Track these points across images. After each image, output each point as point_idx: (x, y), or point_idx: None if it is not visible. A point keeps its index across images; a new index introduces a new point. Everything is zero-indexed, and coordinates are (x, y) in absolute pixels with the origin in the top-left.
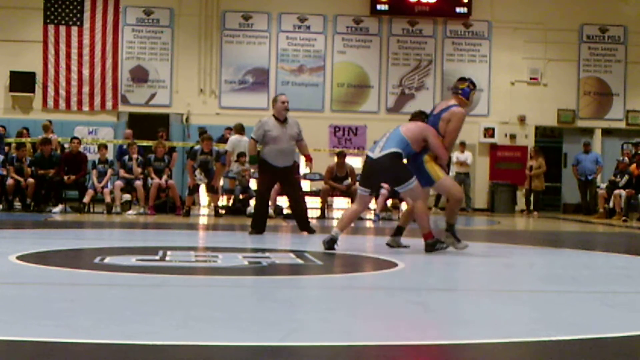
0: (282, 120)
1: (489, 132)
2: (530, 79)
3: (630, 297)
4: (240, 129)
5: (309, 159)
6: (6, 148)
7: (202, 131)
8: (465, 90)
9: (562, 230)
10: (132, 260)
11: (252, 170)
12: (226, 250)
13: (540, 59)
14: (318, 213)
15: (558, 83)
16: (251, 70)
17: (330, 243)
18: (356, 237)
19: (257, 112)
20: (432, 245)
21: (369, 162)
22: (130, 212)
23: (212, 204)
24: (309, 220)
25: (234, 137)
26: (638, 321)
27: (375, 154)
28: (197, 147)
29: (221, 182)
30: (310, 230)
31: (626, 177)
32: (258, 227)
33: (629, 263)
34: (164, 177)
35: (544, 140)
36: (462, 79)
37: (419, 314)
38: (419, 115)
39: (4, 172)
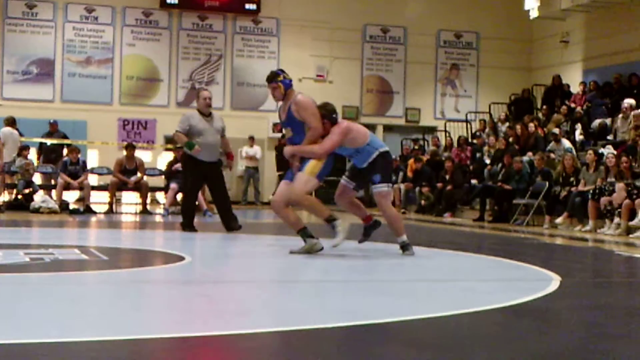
0: (206, 115)
1: (278, 127)
2: (317, 76)
3: (400, 285)
4: (12, 122)
5: (230, 157)
6: None
7: None
8: (286, 82)
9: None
10: None
11: (35, 164)
12: (7, 246)
13: (326, 57)
14: (106, 208)
15: (343, 80)
16: (36, 60)
17: (408, 248)
18: (144, 231)
19: (42, 103)
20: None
21: (389, 158)
22: None
23: None
24: (235, 217)
25: (5, 129)
26: (405, 307)
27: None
28: None
29: None
30: (237, 227)
31: (401, 173)
32: (190, 224)
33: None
34: None
35: None
36: (277, 73)
37: (204, 305)
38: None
39: None
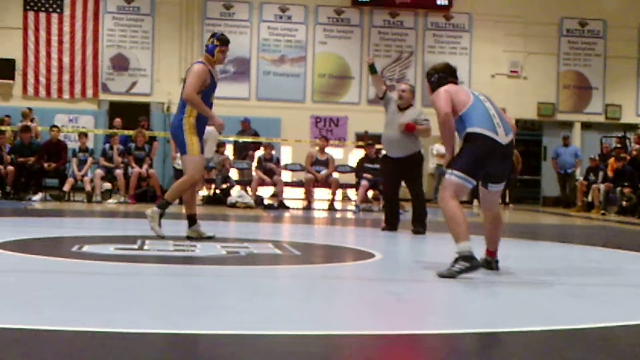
0: (401, 108)
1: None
2: (511, 72)
3: (598, 289)
4: None
5: (409, 128)
6: None
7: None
8: (208, 47)
9: (540, 223)
10: (110, 249)
11: (232, 160)
12: (205, 239)
13: (520, 52)
14: (300, 204)
15: (538, 76)
16: (232, 59)
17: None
18: (335, 228)
19: (239, 101)
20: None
21: (500, 149)
22: (110, 200)
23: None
24: (424, 222)
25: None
26: (605, 313)
27: (503, 137)
28: None
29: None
30: (421, 232)
31: (601, 173)
32: (391, 223)
33: (604, 256)
34: (145, 166)
35: (524, 133)
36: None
37: (392, 303)
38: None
39: None
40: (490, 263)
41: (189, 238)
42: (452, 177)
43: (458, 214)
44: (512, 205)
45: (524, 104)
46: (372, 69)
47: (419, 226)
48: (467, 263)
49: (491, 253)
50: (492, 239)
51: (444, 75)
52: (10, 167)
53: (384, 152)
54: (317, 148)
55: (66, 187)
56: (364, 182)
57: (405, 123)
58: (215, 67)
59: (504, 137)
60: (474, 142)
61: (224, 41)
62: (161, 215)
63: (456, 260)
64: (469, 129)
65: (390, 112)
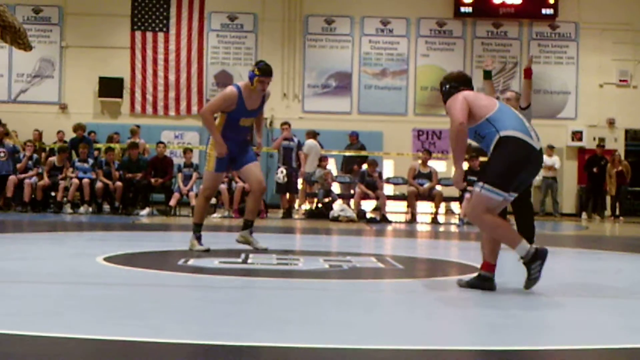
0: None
1: (577, 135)
2: (620, 81)
3: None
4: (313, 135)
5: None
6: (95, 152)
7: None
8: (250, 74)
9: None
10: (215, 262)
11: (334, 174)
12: (308, 253)
13: (629, 61)
14: (403, 217)
15: None
16: (334, 74)
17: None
18: (439, 241)
19: (341, 115)
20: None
21: (537, 154)
22: (214, 215)
23: (291, 206)
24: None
25: (309, 141)
26: None
27: (536, 142)
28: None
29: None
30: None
31: None
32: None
33: None
34: None
35: (634, 144)
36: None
37: (499, 318)
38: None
39: (94, 176)
40: (489, 281)
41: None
42: (483, 191)
43: (498, 222)
44: (622, 217)
45: (634, 114)
46: (487, 74)
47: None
48: (539, 259)
49: (490, 267)
50: (493, 249)
51: (455, 84)
52: (119, 183)
53: None
54: (419, 161)
55: (172, 202)
56: (467, 195)
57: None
58: (264, 93)
59: (537, 142)
60: (507, 147)
61: (264, 71)
62: (199, 238)
63: (528, 265)
64: (502, 132)
65: None
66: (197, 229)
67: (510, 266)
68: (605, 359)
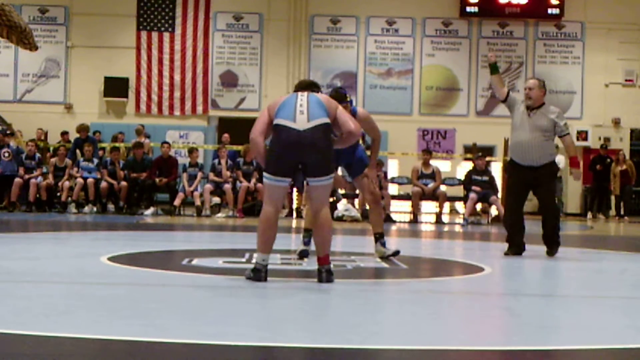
0: (529, 108)
1: (582, 135)
2: (626, 80)
3: None
4: None
5: (574, 164)
6: (100, 152)
7: None
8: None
9: None
10: (219, 262)
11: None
12: (312, 253)
13: (635, 60)
14: (407, 217)
15: None
16: (339, 74)
17: (263, 275)
18: (443, 241)
19: None
20: (331, 273)
21: (294, 136)
22: (219, 215)
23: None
24: (558, 240)
25: None
26: None
27: (301, 123)
28: None
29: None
30: (553, 253)
31: None
32: (517, 245)
33: None
34: (253, 180)
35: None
36: (345, 94)
37: (504, 318)
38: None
39: (98, 176)
40: (320, 273)
41: None
42: (264, 180)
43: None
44: (627, 217)
45: (639, 113)
46: (494, 68)
47: (554, 246)
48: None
49: (320, 260)
50: (317, 241)
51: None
52: (124, 183)
53: (511, 158)
54: (421, 162)
55: (177, 202)
56: (472, 195)
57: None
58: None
59: (301, 124)
60: (273, 135)
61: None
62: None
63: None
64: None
65: (517, 114)
66: (381, 236)
67: (513, 268)
68: (610, 359)
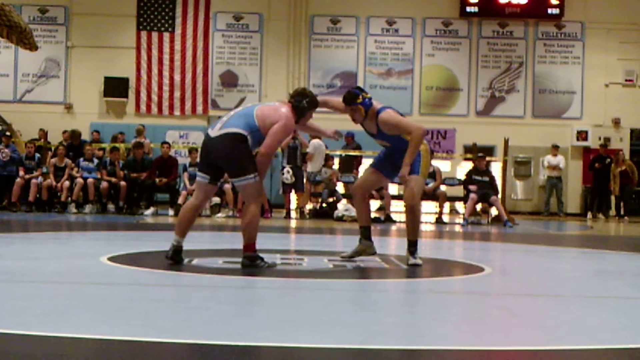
0: None
1: (582, 135)
2: (626, 80)
3: None
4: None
5: None
6: (100, 152)
7: None
8: (365, 103)
9: None
10: (218, 262)
11: (339, 174)
12: (312, 253)
13: (636, 60)
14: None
15: None
16: (339, 74)
17: (175, 255)
18: (443, 241)
19: (344, 115)
20: (252, 260)
21: (206, 140)
22: (219, 214)
23: (299, 205)
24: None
25: (314, 141)
26: None
27: (214, 131)
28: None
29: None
30: None
31: None
32: None
33: None
34: None
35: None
36: (356, 94)
37: (504, 318)
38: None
39: (98, 176)
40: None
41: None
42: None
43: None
44: (627, 217)
45: (639, 113)
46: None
47: None
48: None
49: (245, 247)
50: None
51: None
52: (123, 183)
53: None
54: None
55: (180, 200)
56: (472, 195)
57: None
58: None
59: (213, 130)
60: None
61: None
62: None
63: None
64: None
65: None
66: (410, 244)
67: (513, 268)
68: (610, 359)
